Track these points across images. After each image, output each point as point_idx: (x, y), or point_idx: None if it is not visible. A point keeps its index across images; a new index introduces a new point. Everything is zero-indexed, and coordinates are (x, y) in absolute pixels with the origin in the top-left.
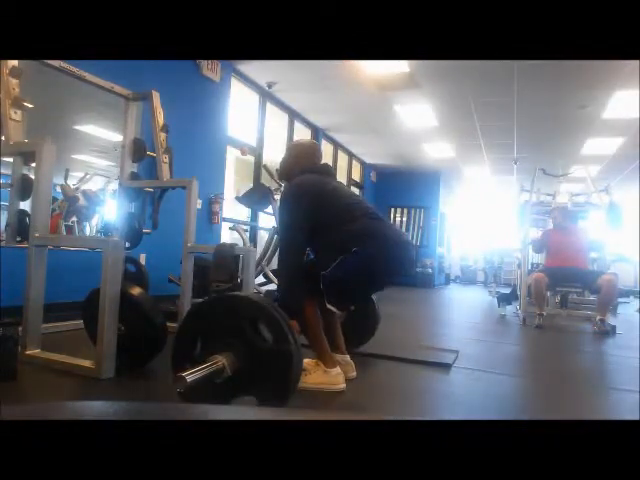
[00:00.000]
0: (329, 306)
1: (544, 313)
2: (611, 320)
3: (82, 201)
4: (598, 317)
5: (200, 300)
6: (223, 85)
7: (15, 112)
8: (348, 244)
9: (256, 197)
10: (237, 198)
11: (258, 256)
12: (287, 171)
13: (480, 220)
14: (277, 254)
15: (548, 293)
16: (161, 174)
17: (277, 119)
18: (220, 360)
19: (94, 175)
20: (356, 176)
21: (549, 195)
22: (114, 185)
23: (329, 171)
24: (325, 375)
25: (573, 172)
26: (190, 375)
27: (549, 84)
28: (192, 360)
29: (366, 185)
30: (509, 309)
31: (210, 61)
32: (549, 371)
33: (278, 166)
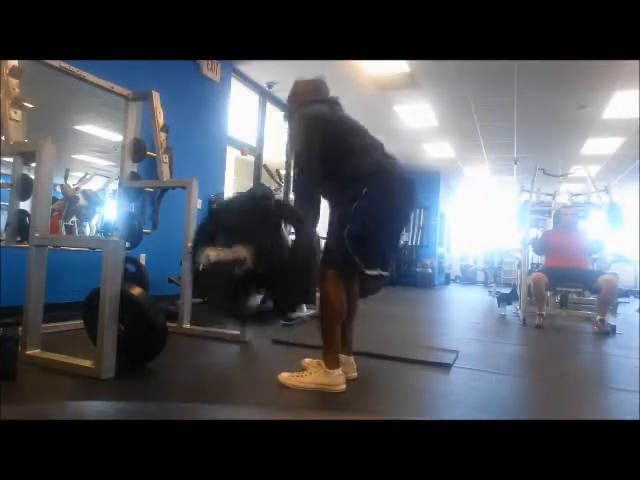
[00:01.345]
0: (369, 272)
1: (544, 313)
2: (611, 320)
3: (82, 201)
4: (598, 317)
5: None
6: (223, 85)
7: (15, 112)
8: (357, 184)
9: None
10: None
11: None
12: (295, 107)
13: (480, 220)
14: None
15: (548, 293)
16: (161, 174)
17: (277, 119)
18: (242, 252)
19: (94, 175)
20: None
21: (549, 195)
22: (114, 185)
23: (337, 101)
24: (326, 376)
25: (573, 172)
26: (213, 253)
27: (549, 84)
28: None
29: None
30: (509, 309)
31: (210, 61)
32: (549, 371)
33: (288, 96)
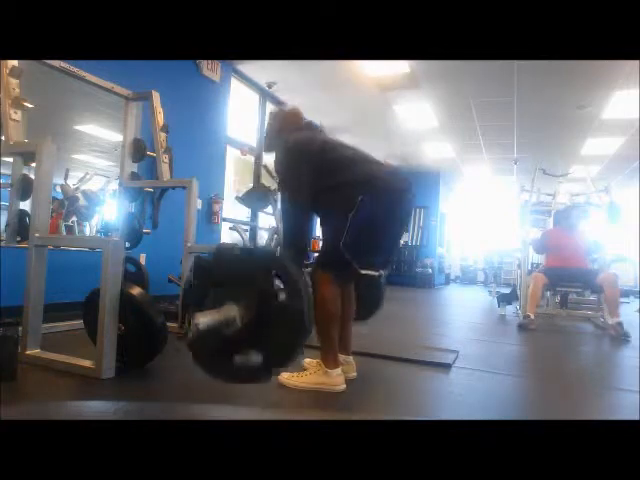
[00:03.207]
0: (365, 272)
1: (535, 312)
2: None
3: (82, 201)
4: (614, 320)
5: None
6: (223, 85)
7: (15, 112)
8: (350, 194)
9: (256, 197)
10: (237, 198)
11: None
12: (276, 137)
13: (480, 220)
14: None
15: (548, 293)
16: (161, 174)
17: None
18: (232, 310)
19: (94, 175)
20: None
21: (549, 195)
22: (114, 185)
23: (316, 126)
24: (325, 375)
25: (573, 172)
26: (202, 320)
27: (549, 84)
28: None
29: None
30: (509, 309)
31: (210, 61)
32: (549, 371)
33: (265, 137)
